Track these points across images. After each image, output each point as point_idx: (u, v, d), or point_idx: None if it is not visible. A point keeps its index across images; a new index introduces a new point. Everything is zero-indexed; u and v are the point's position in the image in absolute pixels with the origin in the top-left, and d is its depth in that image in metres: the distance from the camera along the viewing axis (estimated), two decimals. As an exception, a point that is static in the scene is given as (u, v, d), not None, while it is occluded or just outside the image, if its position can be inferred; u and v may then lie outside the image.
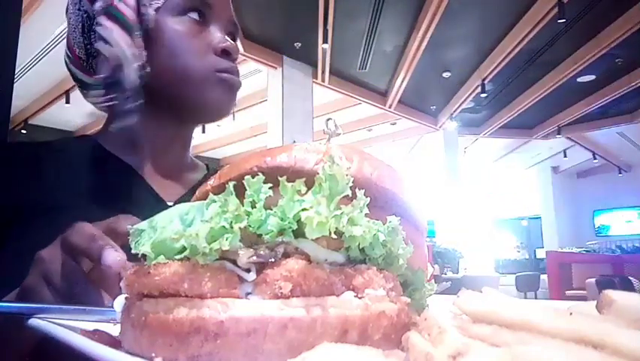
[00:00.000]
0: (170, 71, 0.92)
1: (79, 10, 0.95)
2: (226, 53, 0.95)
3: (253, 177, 0.40)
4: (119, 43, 0.90)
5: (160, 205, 0.90)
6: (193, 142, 1.10)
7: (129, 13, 0.91)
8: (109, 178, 0.93)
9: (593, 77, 8.46)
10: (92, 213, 0.76)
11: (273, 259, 0.38)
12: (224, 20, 0.99)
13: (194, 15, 0.93)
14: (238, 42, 1.08)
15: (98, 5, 0.93)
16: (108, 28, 0.91)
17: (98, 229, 0.59)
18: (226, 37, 0.96)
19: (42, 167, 0.90)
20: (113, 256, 0.54)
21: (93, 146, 0.97)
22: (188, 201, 0.47)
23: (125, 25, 0.91)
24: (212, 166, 1.16)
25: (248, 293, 0.37)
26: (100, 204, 0.82)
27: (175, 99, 0.95)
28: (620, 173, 14.56)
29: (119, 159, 0.96)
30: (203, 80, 0.92)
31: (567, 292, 8.20)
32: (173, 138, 1.01)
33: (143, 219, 0.55)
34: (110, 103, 0.94)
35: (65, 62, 1.00)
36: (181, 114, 0.98)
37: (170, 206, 0.95)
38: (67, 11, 0.98)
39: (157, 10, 0.91)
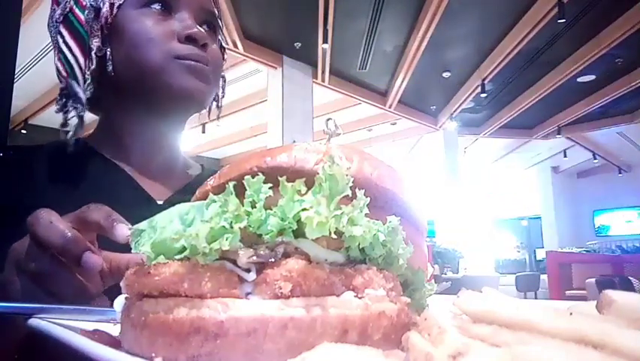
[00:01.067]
0: (131, 64, 0.91)
1: (55, 22, 0.97)
2: (191, 40, 0.91)
3: (253, 177, 0.40)
4: (73, 55, 0.91)
5: (150, 204, 0.92)
6: (193, 142, 1.10)
7: (85, 19, 0.91)
8: (100, 179, 0.93)
9: (593, 77, 8.46)
10: None
11: (273, 259, 0.38)
12: (194, 8, 0.95)
13: (157, 6, 0.92)
14: (236, 38, 1.08)
15: (57, 14, 0.95)
16: (65, 37, 0.93)
17: (67, 220, 0.58)
18: (196, 25, 0.93)
19: (34, 170, 0.91)
20: (93, 259, 0.54)
21: (84, 148, 0.98)
22: (180, 200, 0.47)
23: (80, 34, 0.92)
24: (209, 166, 1.16)
25: (248, 293, 0.37)
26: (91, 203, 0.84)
27: (140, 92, 0.93)
28: (620, 173, 14.56)
29: (109, 160, 0.96)
30: (161, 67, 0.89)
31: (567, 292, 8.20)
32: (156, 137, 1.00)
33: (134, 218, 0.55)
34: (64, 112, 0.94)
35: (57, 74, 1.01)
36: (152, 107, 0.96)
37: (161, 205, 0.96)
38: (48, 26, 0.99)
39: (119, 7, 0.91)
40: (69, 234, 0.55)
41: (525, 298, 8.93)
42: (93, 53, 0.91)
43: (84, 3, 0.92)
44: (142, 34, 0.90)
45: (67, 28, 0.94)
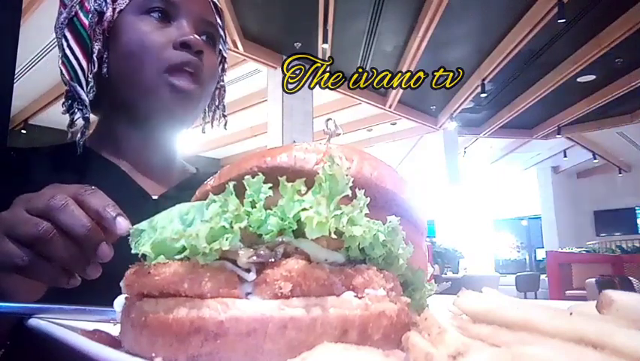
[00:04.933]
0: (125, 72, 0.93)
1: (60, 25, 0.98)
2: (186, 47, 0.91)
3: (253, 177, 0.40)
4: (76, 59, 0.93)
5: (145, 199, 0.94)
6: (193, 142, 1.10)
7: (89, 23, 0.93)
8: (95, 176, 0.94)
9: (593, 77, 8.46)
10: None
11: (273, 259, 0.38)
12: (193, 17, 0.95)
13: (157, 13, 0.93)
14: (236, 38, 1.09)
15: (63, 17, 0.96)
16: (69, 40, 0.95)
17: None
18: (193, 33, 0.93)
19: (31, 171, 0.92)
20: (107, 251, 0.55)
21: (82, 149, 0.99)
22: (174, 196, 0.47)
23: (83, 38, 0.94)
24: (209, 166, 1.17)
25: (248, 293, 0.37)
26: None
27: (126, 104, 0.95)
28: (620, 173, 14.55)
29: (105, 159, 0.98)
30: (151, 81, 0.90)
31: (567, 292, 8.19)
32: (149, 140, 1.01)
33: (129, 212, 0.56)
34: (70, 114, 0.96)
35: (61, 77, 1.02)
36: (135, 118, 0.97)
37: (156, 200, 0.97)
38: (55, 28, 1.01)
39: (120, 11, 0.92)
40: (91, 226, 0.55)
41: (525, 298, 8.92)
42: (95, 56, 0.92)
43: (88, 7, 0.93)
44: (137, 42, 0.91)
45: (72, 31, 0.95)
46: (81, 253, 0.56)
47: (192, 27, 0.95)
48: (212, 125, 1.16)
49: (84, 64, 0.93)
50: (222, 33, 1.08)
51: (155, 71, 0.90)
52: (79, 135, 0.94)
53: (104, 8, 0.92)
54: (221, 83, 1.14)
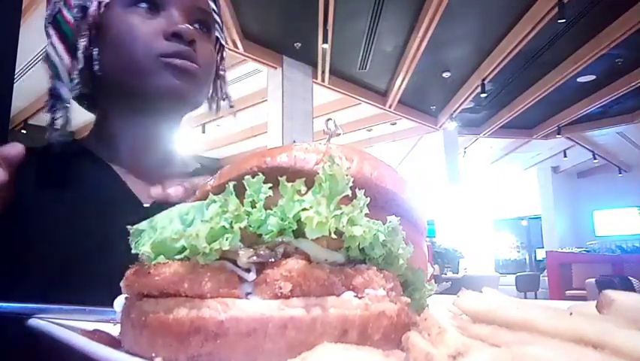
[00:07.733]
0: (116, 64, 0.90)
1: (46, 23, 0.97)
2: (177, 37, 0.88)
3: (253, 177, 0.40)
4: (58, 56, 0.91)
5: (137, 206, 0.92)
6: (193, 142, 1.09)
7: (73, 18, 0.91)
8: (89, 179, 0.93)
9: (593, 77, 8.46)
10: (72, 211, 0.81)
11: (273, 259, 0.38)
12: (184, 6, 0.93)
13: (144, 4, 0.90)
14: (236, 38, 1.08)
15: (47, 14, 0.94)
16: (52, 37, 0.93)
17: None
18: (184, 22, 0.90)
19: (28, 171, 0.91)
20: None
21: (78, 149, 0.98)
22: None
23: (65, 34, 0.92)
24: (209, 165, 1.16)
25: (248, 293, 0.37)
26: (79, 203, 0.87)
27: (125, 92, 0.93)
28: (620, 173, 14.56)
29: (100, 160, 0.96)
30: (147, 66, 0.88)
31: (567, 292, 8.19)
32: (146, 136, 0.99)
33: (120, 219, 0.55)
34: (51, 112, 0.93)
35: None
36: (138, 107, 0.95)
37: (147, 208, 0.97)
38: (44, 28, 0.99)
39: (107, 5, 0.90)
40: None
41: (525, 298, 8.92)
42: (80, 52, 0.90)
43: (72, 3, 0.91)
44: (126, 34, 0.88)
45: (55, 28, 0.93)
46: None
47: (183, 16, 0.92)
48: (216, 111, 1.12)
49: (66, 60, 0.91)
50: (218, 19, 1.05)
51: (151, 58, 0.87)
52: (57, 134, 0.92)
53: (88, 3, 0.90)
54: (221, 73, 1.11)
